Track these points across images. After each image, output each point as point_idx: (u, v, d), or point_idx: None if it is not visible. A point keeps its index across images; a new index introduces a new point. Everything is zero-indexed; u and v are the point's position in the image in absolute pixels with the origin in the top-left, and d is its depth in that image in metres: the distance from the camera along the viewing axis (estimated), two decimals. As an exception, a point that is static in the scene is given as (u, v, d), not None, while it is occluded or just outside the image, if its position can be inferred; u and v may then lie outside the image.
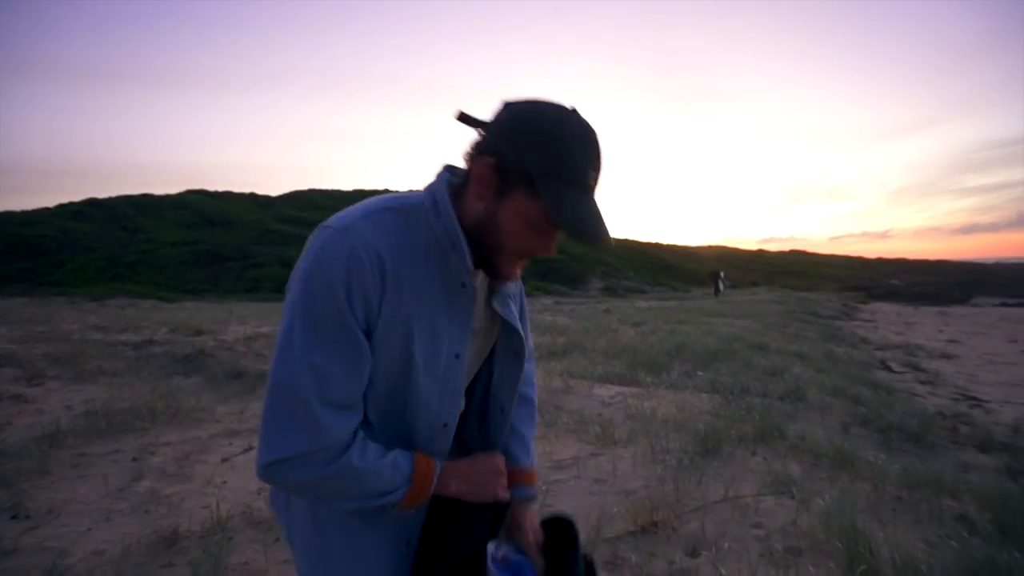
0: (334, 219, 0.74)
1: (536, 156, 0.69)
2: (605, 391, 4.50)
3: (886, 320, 17.49)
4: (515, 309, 0.92)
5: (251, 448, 3.15)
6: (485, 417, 0.95)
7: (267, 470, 0.69)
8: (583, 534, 2.11)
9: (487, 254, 0.76)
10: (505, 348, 0.91)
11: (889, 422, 4.15)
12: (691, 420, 3.64)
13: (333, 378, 0.69)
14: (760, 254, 60.46)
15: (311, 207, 38.07)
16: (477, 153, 0.73)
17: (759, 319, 11.65)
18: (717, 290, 23.49)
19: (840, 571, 1.84)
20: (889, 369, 8.04)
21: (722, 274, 24.68)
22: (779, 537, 2.11)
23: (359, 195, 45.30)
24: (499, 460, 0.86)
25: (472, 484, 0.82)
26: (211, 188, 39.08)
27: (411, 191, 0.82)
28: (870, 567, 1.81)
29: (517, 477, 0.94)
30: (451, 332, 0.78)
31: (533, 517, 0.94)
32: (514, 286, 0.93)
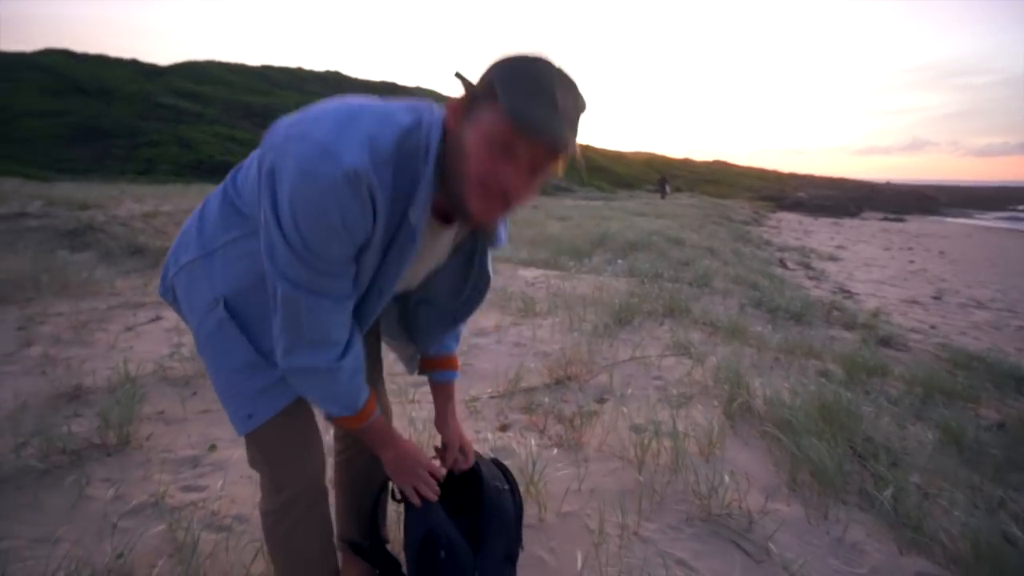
0: (332, 140, 0.68)
1: (504, 73, 0.69)
2: (529, 273, 4.64)
3: (789, 227, 19.13)
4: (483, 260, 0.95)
5: (159, 318, 2.98)
6: (417, 314, 1.03)
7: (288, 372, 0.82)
8: (501, 387, 2.26)
9: (455, 190, 0.74)
10: (469, 289, 0.97)
11: (777, 304, 4.71)
12: (608, 298, 3.88)
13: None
14: (685, 162, 62.20)
15: (211, 80, 33.15)
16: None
17: (678, 219, 12.27)
18: (664, 193, 25.85)
19: (722, 407, 2.14)
20: (785, 266, 8.95)
21: (667, 181, 27.72)
22: (675, 386, 2.39)
23: (267, 72, 39.93)
24: (424, 458, 0.97)
25: (397, 466, 0.95)
26: (78, 49, 32.49)
27: (412, 106, 0.77)
28: (746, 402, 2.12)
29: (448, 363, 1.10)
30: (386, 270, 0.81)
31: (452, 398, 1.11)
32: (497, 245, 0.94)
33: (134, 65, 32.99)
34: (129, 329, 2.79)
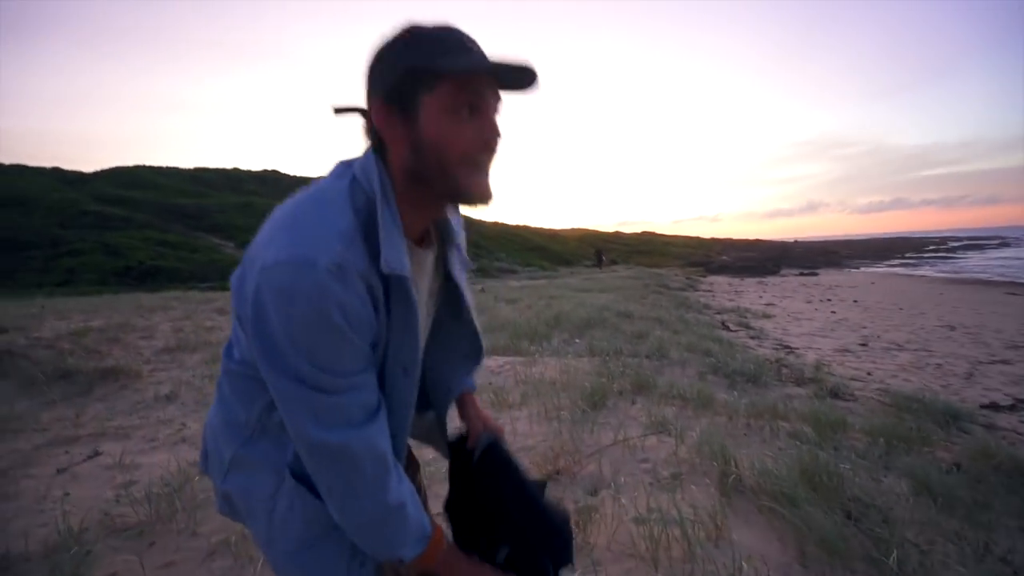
0: (294, 250, 0.60)
1: (412, 53, 0.64)
2: (492, 362, 4.61)
3: (721, 289, 20.37)
4: (462, 269, 0.88)
5: (97, 454, 2.66)
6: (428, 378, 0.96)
7: None
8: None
9: (441, 181, 0.67)
10: (450, 313, 0.89)
11: (733, 368, 4.90)
12: (576, 380, 3.91)
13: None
14: (616, 235, 66.03)
15: (140, 185, 32.38)
16: (366, 113, 0.69)
17: (621, 292, 12.79)
18: (600, 263, 29.16)
19: (715, 485, 2.14)
20: (727, 328, 9.42)
21: (603, 253, 32.02)
22: (664, 467, 2.38)
23: (202, 174, 39.60)
24: None
25: None
26: (-7, 160, 31.12)
27: (335, 171, 0.72)
28: (738, 477, 2.14)
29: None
30: (399, 342, 0.73)
31: (476, 403, 1.08)
32: (462, 238, 0.88)
33: (55, 173, 31.77)
34: (62, 471, 2.46)
